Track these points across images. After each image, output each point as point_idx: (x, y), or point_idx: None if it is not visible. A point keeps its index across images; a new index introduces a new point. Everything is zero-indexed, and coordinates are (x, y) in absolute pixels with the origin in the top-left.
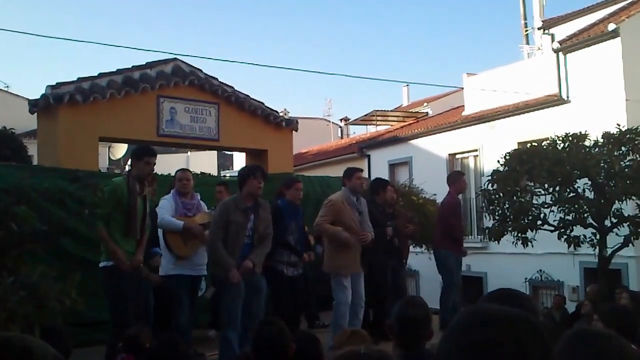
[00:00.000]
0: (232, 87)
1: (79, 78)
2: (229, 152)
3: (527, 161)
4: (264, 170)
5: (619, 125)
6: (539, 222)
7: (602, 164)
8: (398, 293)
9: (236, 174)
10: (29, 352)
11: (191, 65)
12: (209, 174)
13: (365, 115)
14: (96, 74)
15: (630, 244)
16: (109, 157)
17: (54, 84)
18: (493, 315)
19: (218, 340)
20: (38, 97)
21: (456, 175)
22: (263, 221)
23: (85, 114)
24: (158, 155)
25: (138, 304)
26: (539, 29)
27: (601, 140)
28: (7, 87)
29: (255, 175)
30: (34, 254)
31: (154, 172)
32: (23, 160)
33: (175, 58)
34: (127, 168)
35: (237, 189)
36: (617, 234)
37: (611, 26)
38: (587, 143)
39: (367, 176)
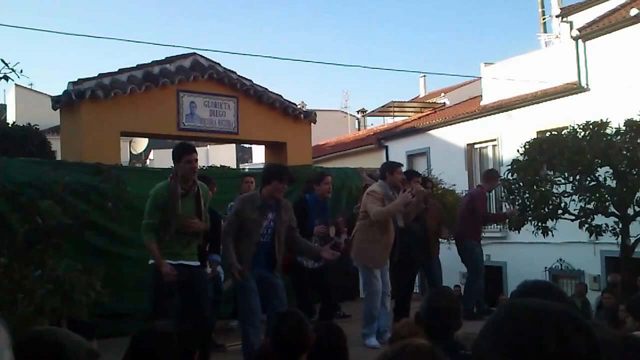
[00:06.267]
0: (251, 81)
1: (99, 74)
2: (247, 145)
3: (547, 150)
4: (292, 175)
5: None
6: (560, 211)
7: (624, 152)
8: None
9: (255, 166)
10: (60, 347)
11: (210, 60)
12: (228, 167)
13: (383, 106)
14: (116, 70)
15: None
16: (130, 151)
17: (75, 80)
18: (535, 312)
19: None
20: (60, 93)
21: (493, 174)
22: (284, 222)
23: (107, 109)
24: None
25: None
26: (557, 16)
27: (623, 128)
28: (31, 84)
29: (282, 179)
30: (59, 248)
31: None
32: (47, 156)
33: (194, 52)
34: (147, 162)
35: (260, 185)
36: None
37: (633, 11)
38: (608, 131)
39: None
